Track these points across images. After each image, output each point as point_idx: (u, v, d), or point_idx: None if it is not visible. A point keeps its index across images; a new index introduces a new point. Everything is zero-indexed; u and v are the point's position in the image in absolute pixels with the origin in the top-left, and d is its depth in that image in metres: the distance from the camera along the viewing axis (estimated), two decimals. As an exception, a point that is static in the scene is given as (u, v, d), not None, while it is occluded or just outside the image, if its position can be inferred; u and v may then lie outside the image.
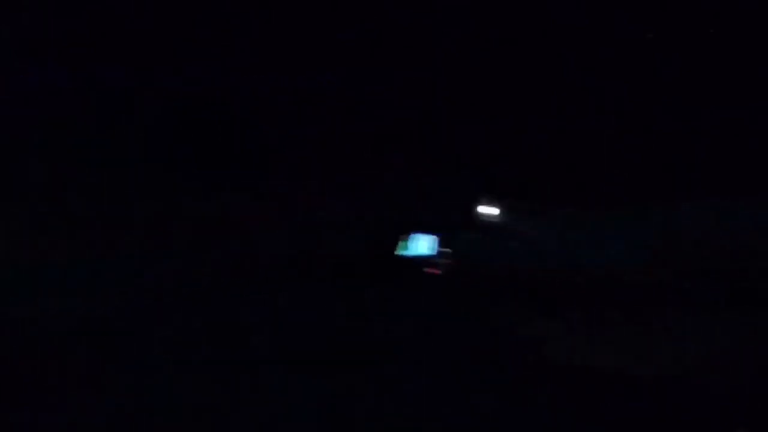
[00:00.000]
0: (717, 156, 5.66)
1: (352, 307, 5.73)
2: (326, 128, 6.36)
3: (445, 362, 5.23)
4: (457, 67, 6.28)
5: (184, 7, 5.91)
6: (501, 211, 6.42)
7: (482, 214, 6.45)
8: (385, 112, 6.38)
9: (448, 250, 6.46)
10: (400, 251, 6.52)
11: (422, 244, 6.54)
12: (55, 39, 5.74)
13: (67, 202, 5.67)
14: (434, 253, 6.48)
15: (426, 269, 6.41)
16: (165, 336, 5.30)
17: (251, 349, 5.28)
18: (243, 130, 6.22)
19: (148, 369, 5.01)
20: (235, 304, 5.60)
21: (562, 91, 6.13)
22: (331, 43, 6.14)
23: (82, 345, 5.18)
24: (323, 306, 5.71)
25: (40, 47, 5.73)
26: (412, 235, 6.57)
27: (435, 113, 6.40)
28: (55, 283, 5.46)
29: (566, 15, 5.96)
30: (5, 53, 5.65)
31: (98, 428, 4.50)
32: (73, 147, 5.78)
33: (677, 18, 5.65)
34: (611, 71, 5.98)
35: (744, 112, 5.55)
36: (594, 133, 6.03)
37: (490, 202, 6.43)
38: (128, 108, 6.00)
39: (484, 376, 5.13)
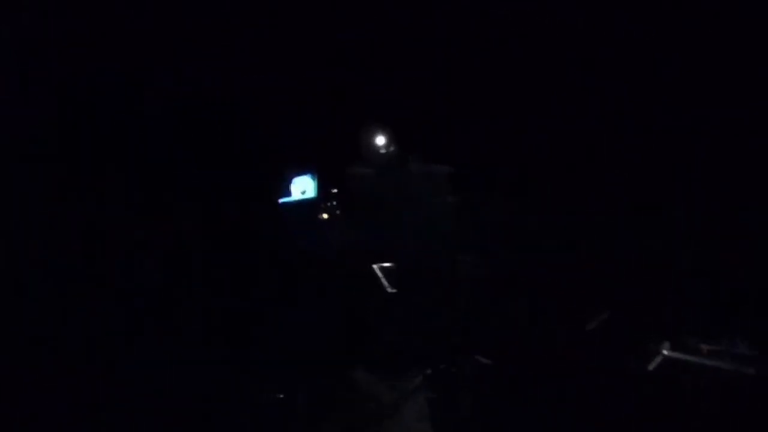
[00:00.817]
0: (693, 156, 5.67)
1: (350, 306, 5.74)
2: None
3: (448, 362, 5.24)
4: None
5: (183, 7, 5.91)
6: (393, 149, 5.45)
7: (378, 146, 5.47)
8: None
9: (334, 190, 5.60)
10: (282, 198, 5.54)
11: (301, 187, 5.55)
12: (55, 39, 5.73)
13: (68, 203, 5.67)
14: (316, 195, 5.53)
15: (313, 216, 5.48)
16: (165, 336, 5.30)
17: (251, 349, 5.29)
18: (242, 130, 6.22)
19: (148, 369, 5.01)
20: (235, 304, 5.60)
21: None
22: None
23: (82, 345, 5.18)
24: (323, 306, 5.71)
25: (40, 47, 5.72)
26: (293, 177, 5.56)
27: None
28: (55, 282, 5.46)
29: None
30: (5, 53, 5.64)
31: (99, 428, 4.50)
32: (74, 147, 5.78)
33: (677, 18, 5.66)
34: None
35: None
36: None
37: (386, 136, 5.45)
38: (128, 108, 6.00)
39: (485, 375, 5.13)
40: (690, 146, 5.68)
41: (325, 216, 5.56)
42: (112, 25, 5.85)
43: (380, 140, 5.53)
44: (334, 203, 5.56)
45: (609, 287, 5.63)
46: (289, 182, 5.65)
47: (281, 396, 4.86)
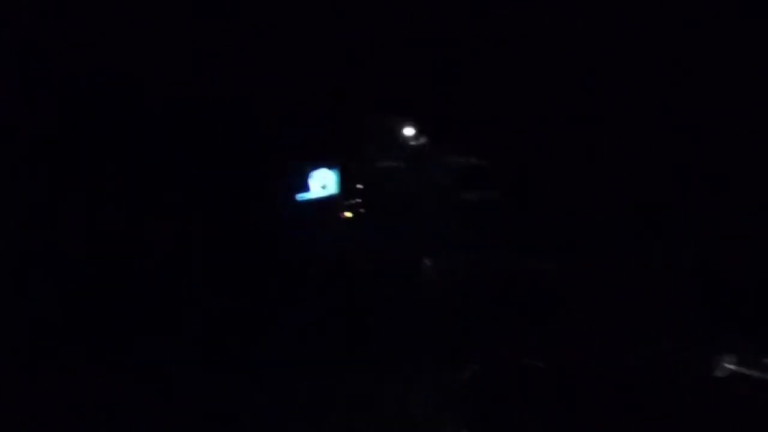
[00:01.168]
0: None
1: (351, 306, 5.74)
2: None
3: (445, 362, 5.25)
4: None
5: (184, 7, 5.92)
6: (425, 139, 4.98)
7: (405, 137, 5.05)
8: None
9: (359, 186, 5.17)
10: (300, 194, 5.06)
11: (321, 181, 5.10)
12: (56, 39, 5.73)
13: (68, 203, 5.67)
14: (337, 191, 5.09)
15: (332, 214, 5.03)
16: (165, 336, 5.30)
17: (251, 349, 5.29)
18: (242, 130, 6.22)
19: (148, 369, 5.01)
20: (235, 304, 5.61)
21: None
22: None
23: (82, 344, 5.18)
24: (323, 306, 5.71)
25: (40, 47, 5.72)
26: (311, 171, 5.10)
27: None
28: (56, 282, 5.47)
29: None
30: (5, 53, 5.65)
31: (99, 428, 4.51)
32: (74, 147, 5.78)
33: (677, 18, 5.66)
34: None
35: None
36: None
37: (416, 126, 5.01)
38: (128, 108, 6.00)
39: (484, 375, 5.14)
40: (690, 146, 5.68)
41: (348, 214, 5.17)
42: (112, 25, 5.86)
43: (407, 132, 5.17)
44: (359, 200, 5.12)
45: (609, 287, 5.63)
46: (307, 176, 5.21)
47: (281, 396, 4.85)
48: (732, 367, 4.91)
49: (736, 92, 5.51)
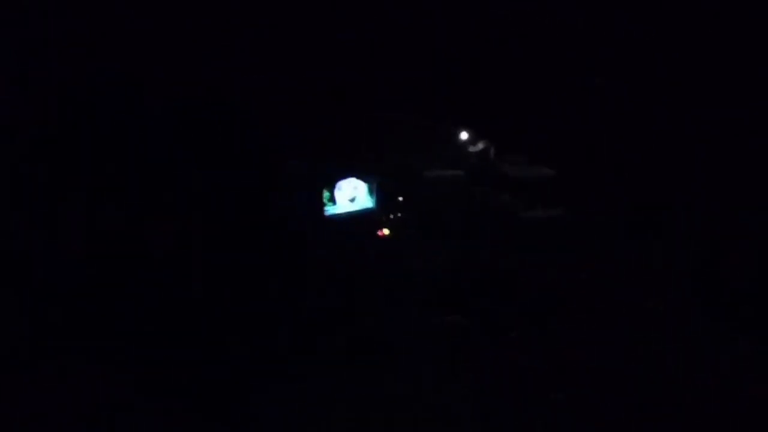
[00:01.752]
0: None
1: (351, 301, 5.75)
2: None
3: (446, 361, 5.26)
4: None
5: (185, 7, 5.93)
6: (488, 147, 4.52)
7: (467, 142, 4.45)
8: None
9: (399, 198, 4.58)
10: (327, 209, 4.41)
11: (349, 193, 4.50)
12: (56, 39, 5.74)
13: (68, 203, 5.68)
14: (375, 205, 4.48)
15: (370, 232, 4.51)
16: (165, 336, 5.30)
17: (251, 349, 5.30)
18: (242, 129, 6.22)
19: (149, 368, 5.02)
20: (236, 303, 5.61)
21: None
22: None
23: (82, 344, 5.18)
24: (323, 306, 5.72)
25: (40, 47, 5.73)
26: (340, 182, 4.46)
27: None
28: (60, 280, 5.47)
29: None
30: (5, 53, 5.65)
31: (99, 427, 4.51)
32: (74, 147, 5.79)
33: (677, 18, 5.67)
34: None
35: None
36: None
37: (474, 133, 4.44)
38: (128, 108, 6.01)
39: (485, 374, 5.15)
40: (690, 146, 5.69)
41: (386, 232, 4.60)
42: (112, 25, 5.87)
43: (464, 136, 4.62)
44: (399, 215, 4.47)
45: (609, 287, 5.64)
46: (333, 187, 4.61)
47: (281, 396, 4.86)
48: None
49: (736, 92, 5.52)
